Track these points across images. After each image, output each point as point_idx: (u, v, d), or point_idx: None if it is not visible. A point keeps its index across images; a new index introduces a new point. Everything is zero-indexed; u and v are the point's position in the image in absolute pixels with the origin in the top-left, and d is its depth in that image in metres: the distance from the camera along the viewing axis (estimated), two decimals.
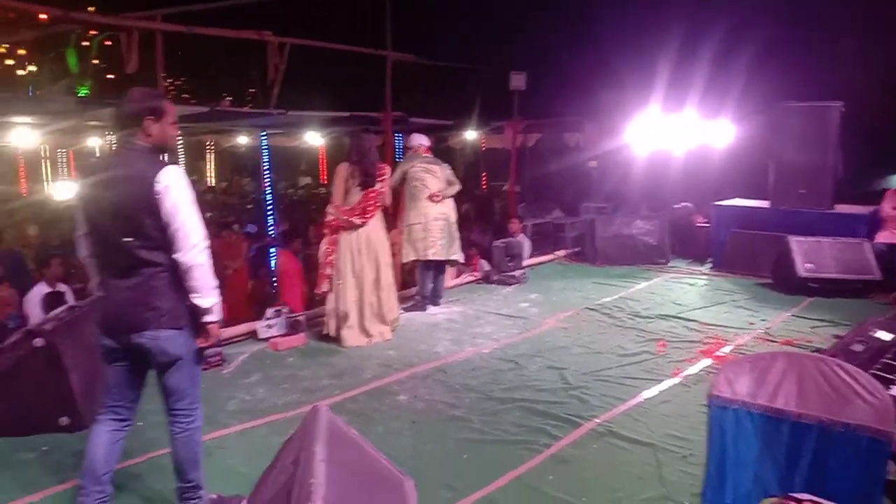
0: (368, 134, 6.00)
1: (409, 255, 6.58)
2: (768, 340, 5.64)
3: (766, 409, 2.51)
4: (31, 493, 3.23)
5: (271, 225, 12.14)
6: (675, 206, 9.94)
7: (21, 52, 28.99)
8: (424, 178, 6.50)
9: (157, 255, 2.78)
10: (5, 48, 28.78)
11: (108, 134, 14.87)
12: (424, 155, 6.70)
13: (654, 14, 11.71)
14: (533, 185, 16.25)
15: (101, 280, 2.97)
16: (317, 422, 2.57)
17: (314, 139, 16.76)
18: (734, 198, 9.13)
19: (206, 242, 2.82)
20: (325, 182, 22.13)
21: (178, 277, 2.79)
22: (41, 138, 14.60)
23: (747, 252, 8.20)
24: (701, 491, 2.72)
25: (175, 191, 2.74)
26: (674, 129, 9.87)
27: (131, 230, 2.76)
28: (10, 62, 30.60)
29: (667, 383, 4.66)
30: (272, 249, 11.83)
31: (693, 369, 4.93)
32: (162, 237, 2.75)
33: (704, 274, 8.37)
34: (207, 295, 2.81)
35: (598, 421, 4.02)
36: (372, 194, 5.65)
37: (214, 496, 3.08)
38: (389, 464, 2.87)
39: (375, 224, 5.73)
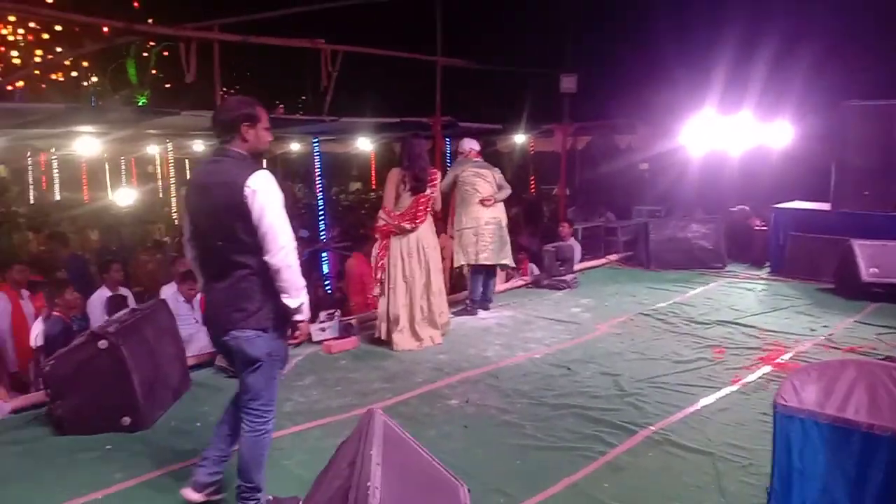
0: (419, 139, 6.00)
1: (459, 260, 6.57)
2: (831, 347, 5.44)
3: (834, 419, 2.41)
4: (95, 491, 3.32)
5: (323, 230, 12.36)
6: (732, 208, 9.70)
7: (84, 63, 30.05)
8: (476, 183, 6.49)
9: (247, 257, 2.88)
10: (69, 61, 29.86)
11: (167, 142, 15.33)
12: (475, 159, 6.70)
13: (710, 12, 11.44)
14: (583, 189, 16.09)
15: (204, 282, 3.12)
16: (372, 425, 2.58)
17: (364, 145, 16.94)
18: (793, 200, 8.85)
19: (294, 244, 2.90)
20: (376, 187, 22.38)
21: (267, 280, 2.88)
22: (103, 147, 15.12)
23: (807, 256, 7.94)
24: (764, 503, 2.64)
25: (263, 194, 2.82)
26: (730, 130, 9.63)
27: (224, 234, 2.88)
28: (74, 74, 31.76)
29: (725, 391, 4.53)
30: (324, 254, 12.04)
31: (752, 377, 4.79)
32: (252, 240, 2.84)
33: (762, 278, 8.13)
34: (295, 295, 2.89)
35: (653, 428, 3.94)
36: (422, 199, 5.67)
37: (271, 498, 3.12)
38: (443, 468, 2.87)
39: (426, 229, 5.75)
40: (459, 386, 4.73)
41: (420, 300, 5.66)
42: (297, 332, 3.01)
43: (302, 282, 2.91)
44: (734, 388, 4.59)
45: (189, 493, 3.11)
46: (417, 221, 5.64)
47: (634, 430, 3.90)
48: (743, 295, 7.34)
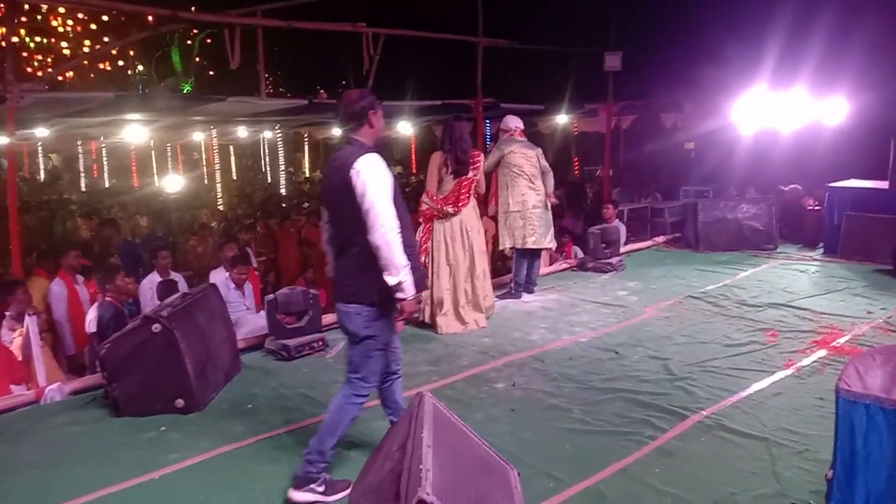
0: (461, 121, 5.95)
1: (505, 243, 6.52)
2: (890, 331, 5.27)
3: None
4: (152, 471, 3.40)
5: None
6: (783, 188, 9.42)
7: (130, 52, 30.64)
8: (522, 164, 6.40)
9: (357, 236, 3.02)
10: (116, 50, 30.47)
11: (212, 128, 15.57)
12: (519, 139, 6.57)
13: None
14: (627, 169, 15.83)
15: (332, 259, 3.33)
16: (422, 408, 2.58)
17: (405, 129, 16.92)
18: (848, 179, 8.55)
19: (395, 223, 2.99)
20: (416, 171, 22.39)
21: (373, 258, 2.99)
22: (150, 134, 15.43)
23: (863, 236, 7.69)
24: (826, 490, 2.56)
25: (366, 175, 2.98)
26: (782, 107, 9.31)
27: (340, 214, 3.13)
28: (120, 63, 32.42)
29: (778, 375, 4.42)
30: None
31: (807, 360, 4.66)
32: (360, 219, 2.98)
33: (816, 260, 7.90)
34: (394, 273, 2.97)
35: (705, 413, 3.86)
36: (465, 182, 5.63)
37: (327, 476, 3.16)
38: (493, 451, 2.86)
39: (469, 212, 5.72)
40: (505, 369, 4.71)
41: (464, 284, 5.65)
42: (401, 310, 3.11)
43: (402, 261, 2.99)
44: (788, 372, 4.47)
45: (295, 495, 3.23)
46: (461, 205, 5.62)
47: (685, 415, 3.83)
48: (796, 277, 7.14)
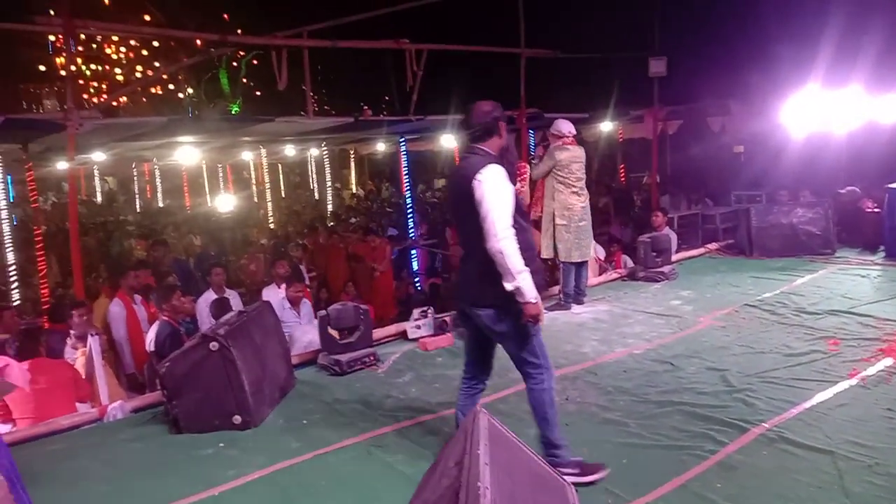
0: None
1: (549, 252, 6.47)
2: None
3: None
4: (211, 487, 3.46)
5: (412, 228, 12.50)
6: (840, 190, 9.13)
7: (179, 76, 31.61)
8: (572, 174, 6.35)
9: (478, 243, 3.16)
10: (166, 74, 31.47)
11: (261, 148, 15.91)
12: (570, 146, 6.45)
13: None
14: (675, 175, 15.58)
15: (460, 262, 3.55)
16: (477, 424, 2.57)
17: (449, 142, 17.00)
18: None
19: (510, 233, 3.09)
20: None
21: (491, 263, 3.13)
22: (201, 155, 15.85)
23: None
24: None
25: (486, 184, 3.11)
26: (836, 106, 9.03)
27: (464, 221, 3.27)
28: (171, 86, 33.47)
29: (842, 385, 4.27)
30: (413, 251, 12.18)
31: (872, 370, 4.48)
32: (480, 227, 3.12)
33: (877, 264, 7.62)
34: (510, 280, 3.09)
35: (766, 426, 3.75)
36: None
37: (580, 459, 3.31)
38: (549, 467, 2.83)
39: None
40: (558, 383, 4.58)
41: None
42: (523, 314, 3.17)
43: (518, 267, 3.08)
44: (853, 382, 4.31)
45: None
46: None
47: (746, 428, 3.73)
48: (856, 282, 6.90)
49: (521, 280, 3.07)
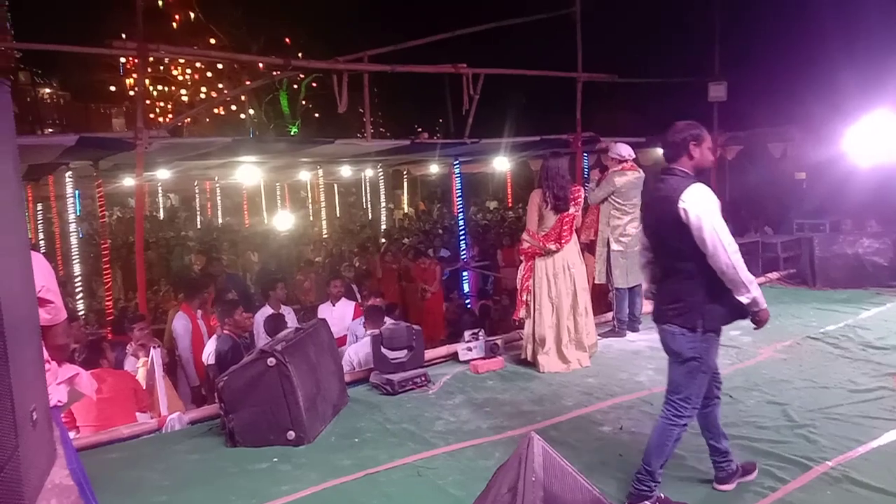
0: (558, 157, 5.87)
1: (602, 277, 6.42)
2: None
3: None
4: (264, 501, 3.51)
5: (463, 249, 12.54)
6: None
7: (242, 98, 32.60)
8: (630, 201, 6.29)
9: (683, 263, 3.20)
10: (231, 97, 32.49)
11: (318, 168, 16.26)
12: (630, 171, 6.36)
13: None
14: (734, 201, 15.24)
15: (650, 283, 3.61)
16: (531, 450, 2.54)
17: (501, 164, 17.06)
18: None
19: (736, 246, 3.11)
20: (512, 205, 22.43)
21: (702, 283, 3.16)
22: (261, 175, 16.29)
23: None
24: None
25: (697, 207, 3.11)
26: None
27: (664, 243, 3.32)
28: (233, 108, 34.52)
29: None
30: (465, 273, 12.20)
31: None
32: (688, 248, 3.13)
33: None
34: (744, 292, 3.11)
35: (830, 464, 3.60)
36: (567, 218, 5.58)
37: (662, 496, 3.28)
38: (604, 497, 2.78)
39: (571, 248, 5.66)
40: (611, 411, 4.59)
41: (567, 321, 5.57)
42: (758, 323, 3.23)
43: (749, 277, 3.11)
44: None
45: (720, 487, 3.44)
46: (563, 241, 5.56)
47: (808, 466, 3.59)
48: None
49: (753, 290, 3.11)
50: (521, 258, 5.84)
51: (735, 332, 6.34)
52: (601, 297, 7.12)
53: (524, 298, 5.71)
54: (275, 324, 5.98)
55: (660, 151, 11.74)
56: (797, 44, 13.31)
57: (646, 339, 6.30)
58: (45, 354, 2.60)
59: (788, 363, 5.38)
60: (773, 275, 8.85)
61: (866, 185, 10.17)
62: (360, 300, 7.93)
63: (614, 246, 6.31)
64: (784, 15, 13.64)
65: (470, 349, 5.71)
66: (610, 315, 6.69)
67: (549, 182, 5.59)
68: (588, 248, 6.55)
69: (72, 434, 4.71)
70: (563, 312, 5.56)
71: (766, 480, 3.47)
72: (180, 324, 6.58)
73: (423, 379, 5.19)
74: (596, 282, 6.60)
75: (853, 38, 11.49)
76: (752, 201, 14.95)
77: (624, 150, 6.44)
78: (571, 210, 5.62)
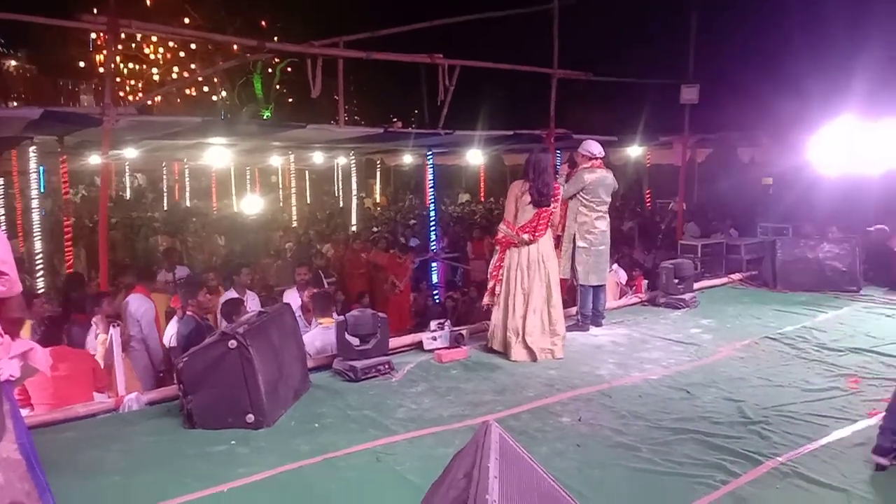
0: (547, 154, 5.96)
1: (566, 273, 6.47)
2: None
3: None
4: (220, 484, 3.48)
5: (433, 240, 12.55)
6: (869, 228, 9.01)
7: (214, 79, 32.07)
8: (598, 198, 6.37)
9: None
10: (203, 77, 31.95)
11: (290, 153, 16.10)
12: (599, 169, 6.46)
13: (852, 8, 10.68)
14: (701, 203, 15.48)
15: None
16: (488, 438, 2.56)
17: (474, 157, 17.08)
18: None
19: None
20: (483, 199, 22.49)
21: None
22: (231, 157, 16.07)
23: None
24: None
25: None
26: (871, 142, 8.90)
27: None
28: (205, 89, 33.95)
29: (861, 424, 4.18)
30: (434, 264, 12.21)
31: None
32: None
33: None
34: None
35: (780, 460, 3.69)
36: (545, 213, 5.63)
37: None
38: (560, 487, 2.81)
39: (546, 241, 5.71)
40: (571, 403, 4.64)
41: (542, 312, 5.61)
42: None
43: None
44: (872, 422, 4.21)
45: (875, 458, 3.52)
46: (538, 234, 5.62)
47: (760, 461, 3.67)
48: (880, 321, 6.78)
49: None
50: (497, 248, 5.85)
51: (696, 330, 6.50)
52: (570, 292, 7.18)
53: (492, 286, 5.75)
54: (231, 308, 5.87)
55: (631, 150, 11.93)
56: (767, 50, 13.54)
57: (608, 334, 6.39)
58: None
59: (746, 362, 5.49)
60: (736, 276, 9.02)
61: (831, 193, 10.40)
62: (325, 286, 7.89)
63: (580, 242, 6.37)
64: (756, 21, 13.85)
65: (435, 338, 5.73)
66: (574, 310, 6.76)
67: (535, 177, 5.62)
68: (556, 244, 6.60)
69: (26, 411, 4.63)
70: (538, 304, 5.60)
71: (718, 474, 3.53)
72: (142, 305, 6.46)
73: (387, 367, 5.19)
74: (560, 277, 6.65)
75: (821, 45, 11.71)
76: (719, 204, 15.20)
77: (594, 147, 6.51)
78: (551, 206, 5.66)
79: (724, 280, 8.84)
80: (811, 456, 3.75)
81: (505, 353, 5.63)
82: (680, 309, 7.26)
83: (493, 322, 5.74)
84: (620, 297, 7.92)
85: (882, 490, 3.35)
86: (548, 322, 5.63)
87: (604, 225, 6.45)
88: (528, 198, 5.60)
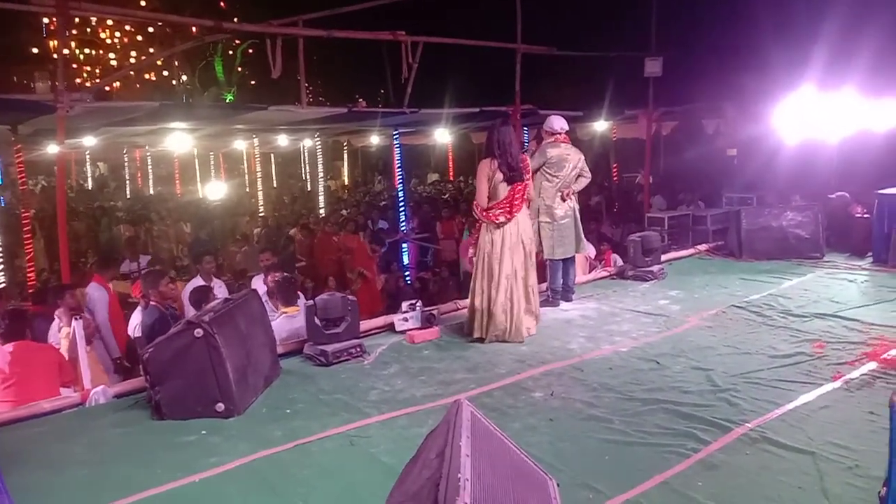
0: (507, 125, 5.70)
1: (537, 247, 6.46)
2: None
3: None
4: (192, 474, 3.44)
5: (403, 221, 12.49)
6: (830, 195, 9.17)
7: (175, 63, 31.41)
8: (561, 173, 6.34)
9: None
10: (161, 60, 31.27)
11: (254, 137, 15.84)
12: (563, 143, 6.42)
13: None
14: (668, 176, 15.63)
15: None
16: (460, 416, 2.56)
17: (442, 136, 16.99)
18: None
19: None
20: (452, 178, 22.43)
21: None
22: (194, 143, 15.77)
23: None
24: None
25: None
26: (830, 111, 9.05)
27: None
28: (165, 73, 33.24)
29: (826, 387, 4.28)
30: (404, 244, 12.16)
31: (856, 373, 4.49)
32: None
33: (865, 269, 7.65)
34: None
35: (749, 426, 3.75)
36: (519, 188, 5.45)
37: None
38: (532, 461, 2.83)
39: (524, 218, 5.57)
40: (543, 378, 4.66)
41: (522, 291, 5.53)
42: None
43: None
44: (836, 384, 4.33)
45: None
46: (514, 211, 5.45)
47: (729, 428, 3.73)
48: (843, 286, 6.93)
49: None
50: (469, 230, 5.78)
51: (664, 302, 6.57)
52: (541, 268, 7.19)
53: (470, 269, 5.68)
54: (199, 295, 5.78)
55: (597, 125, 11.96)
56: (730, 22, 13.62)
57: (578, 309, 6.43)
58: None
59: (714, 331, 5.57)
60: (703, 246, 9.13)
61: (793, 162, 10.56)
62: (295, 271, 7.81)
63: (542, 217, 6.33)
64: None
65: (406, 319, 5.70)
66: (544, 285, 6.76)
67: (501, 151, 5.41)
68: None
69: None
70: (519, 283, 5.50)
71: (688, 442, 3.58)
72: (98, 294, 6.33)
73: (359, 349, 5.16)
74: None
75: (782, 18, 11.82)
76: (685, 176, 15.35)
77: (557, 122, 6.48)
78: (525, 179, 5.53)
79: (691, 251, 8.95)
80: (779, 421, 3.83)
81: (480, 339, 5.49)
82: (648, 281, 7.33)
83: (471, 306, 5.59)
84: (590, 272, 7.96)
85: (848, 452, 3.42)
86: (524, 302, 5.54)
87: (566, 202, 6.43)
88: (500, 175, 5.42)
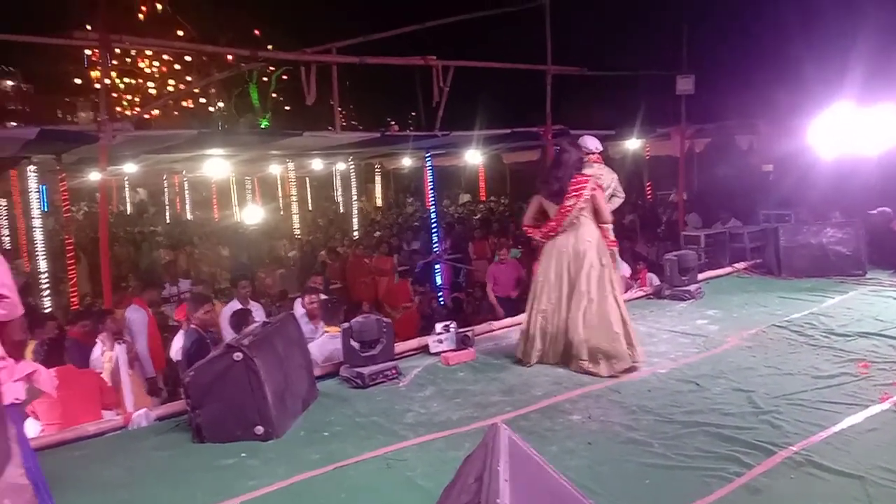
0: (568, 148, 5.59)
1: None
2: None
3: None
4: (232, 497, 3.46)
5: (435, 242, 12.54)
6: (871, 211, 8.96)
7: (211, 90, 32.15)
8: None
9: None
10: (198, 88, 32.04)
11: (288, 161, 16.11)
12: (596, 164, 6.36)
13: None
14: (702, 193, 15.44)
15: None
16: (498, 440, 2.55)
17: (473, 158, 17.07)
18: None
19: None
20: (484, 199, 22.48)
21: None
22: (230, 168, 16.09)
23: None
24: None
25: None
26: (868, 125, 8.87)
27: None
28: (202, 100, 34.04)
29: (873, 409, 4.15)
30: (437, 265, 12.20)
31: None
32: None
33: None
34: None
35: (794, 449, 3.66)
36: (563, 210, 5.35)
37: None
38: (571, 486, 2.79)
39: (584, 238, 5.37)
40: (581, 400, 4.62)
41: (594, 311, 5.26)
42: None
43: None
44: (884, 406, 4.20)
45: None
46: (552, 232, 5.38)
47: (773, 451, 3.64)
48: (888, 304, 6.74)
49: None
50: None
51: (702, 321, 6.46)
52: None
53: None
54: (239, 319, 5.88)
55: (629, 143, 11.91)
56: (763, 38, 13.51)
57: None
58: (2, 351, 2.55)
59: (754, 351, 5.46)
60: (741, 265, 8.97)
61: (831, 177, 10.36)
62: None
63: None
64: (750, 9, 13.82)
65: (441, 341, 5.70)
66: None
67: (547, 172, 5.48)
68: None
69: (36, 431, 4.63)
70: (565, 307, 5.33)
71: (731, 466, 3.51)
72: (136, 316, 6.47)
73: (394, 372, 5.17)
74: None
75: (815, 33, 11.69)
76: (720, 193, 15.15)
77: (591, 142, 6.47)
78: (567, 203, 5.33)
79: (729, 269, 8.80)
80: (824, 444, 3.72)
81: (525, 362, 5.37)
82: (685, 300, 7.22)
83: (523, 329, 5.48)
84: (626, 291, 7.88)
85: None
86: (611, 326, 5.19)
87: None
88: (552, 196, 5.42)
